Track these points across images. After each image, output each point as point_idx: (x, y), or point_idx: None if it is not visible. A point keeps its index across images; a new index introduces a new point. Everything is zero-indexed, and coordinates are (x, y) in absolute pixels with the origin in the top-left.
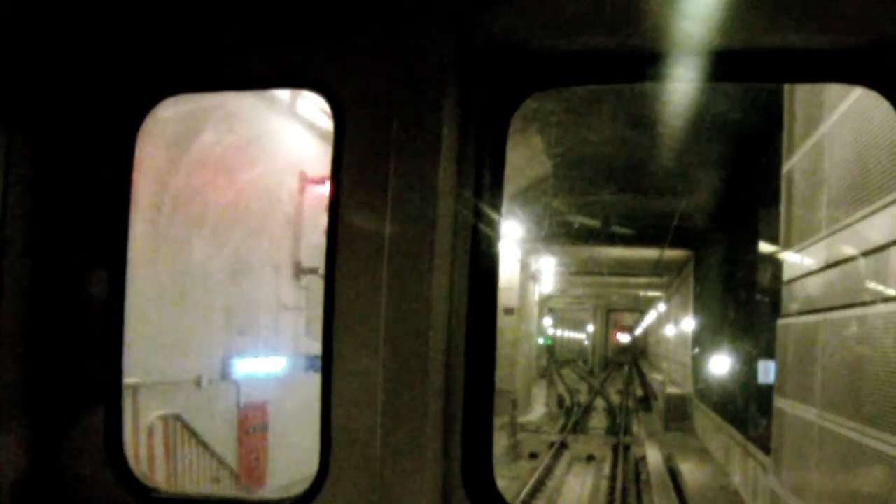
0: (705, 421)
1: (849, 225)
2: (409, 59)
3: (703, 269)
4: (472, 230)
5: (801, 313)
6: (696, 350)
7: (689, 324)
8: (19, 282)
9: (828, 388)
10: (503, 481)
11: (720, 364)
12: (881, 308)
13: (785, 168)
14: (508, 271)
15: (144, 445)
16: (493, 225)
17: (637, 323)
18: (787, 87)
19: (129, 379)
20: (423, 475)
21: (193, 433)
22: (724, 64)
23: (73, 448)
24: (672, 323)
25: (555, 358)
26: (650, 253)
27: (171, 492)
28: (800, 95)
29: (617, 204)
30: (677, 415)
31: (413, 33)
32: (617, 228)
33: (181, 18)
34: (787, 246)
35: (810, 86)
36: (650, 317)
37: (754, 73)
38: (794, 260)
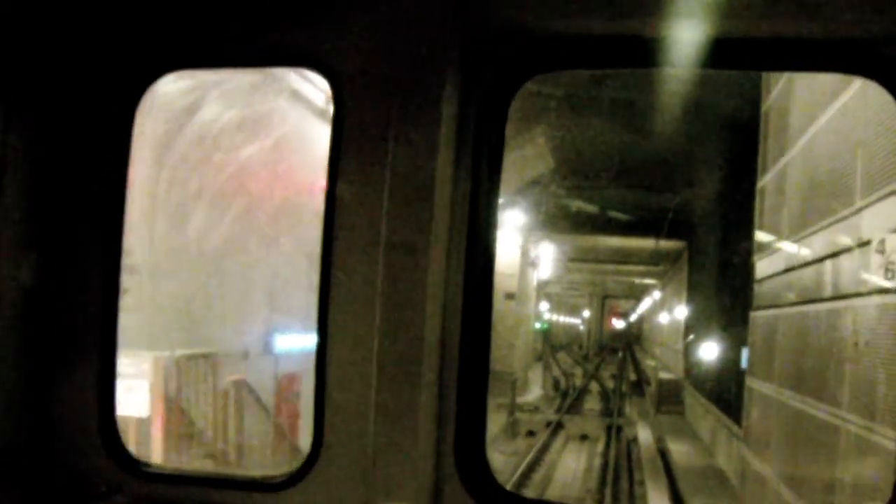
0: (695, 404)
1: (800, 239)
2: (410, 40)
3: (697, 260)
4: (470, 211)
5: (766, 308)
6: (689, 337)
7: (681, 312)
8: (17, 252)
9: (783, 369)
10: (503, 456)
11: (710, 351)
12: (819, 306)
13: (759, 185)
14: (510, 258)
15: (221, 405)
16: (491, 207)
17: (632, 309)
18: (762, 113)
19: (205, 349)
20: (415, 456)
21: (257, 397)
22: (723, 51)
23: (66, 421)
24: (666, 310)
25: (550, 342)
26: (646, 243)
27: (160, 465)
28: (772, 123)
29: (615, 196)
30: (669, 399)
31: (414, 14)
32: (614, 214)
33: None
34: (759, 251)
35: (780, 115)
36: (645, 304)
37: (754, 61)
38: (762, 263)
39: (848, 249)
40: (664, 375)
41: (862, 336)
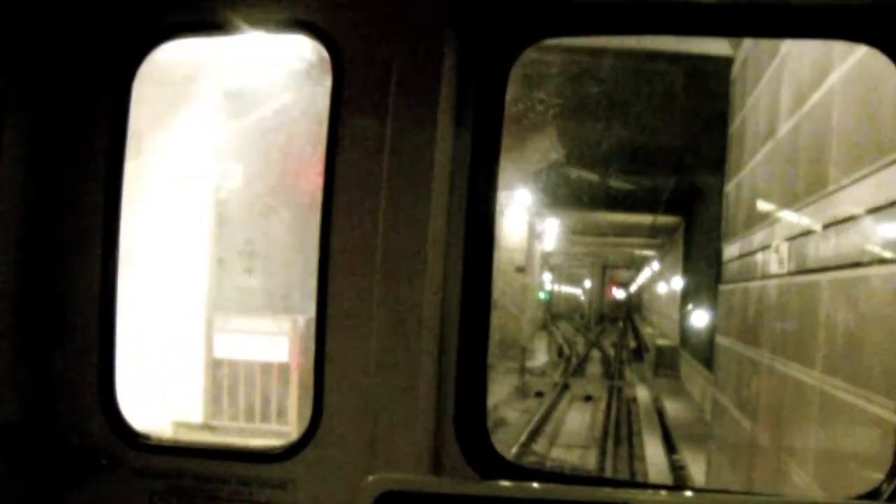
0: (688, 368)
1: (746, 236)
2: (409, 5)
3: (692, 234)
4: (469, 178)
5: (728, 282)
6: (685, 306)
7: (678, 282)
8: (14, 228)
9: (737, 327)
10: (515, 413)
11: (702, 318)
12: (754, 283)
13: (726, 188)
14: (518, 233)
15: None
16: (491, 173)
17: (632, 280)
18: (729, 134)
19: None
20: (415, 426)
21: None
22: (729, 17)
23: (65, 393)
24: (664, 281)
25: (552, 311)
26: (645, 218)
27: (160, 438)
28: (734, 145)
29: (618, 175)
30: (666, 363)
31: None
32: (616, 190)
33: None
34: (725, 239)
35: (738, 142)
36: (644, 274)
37: (758, 29)
38: (727, 249)
39: (766, 247)
40: (661, 342)
41: (772, 302)
